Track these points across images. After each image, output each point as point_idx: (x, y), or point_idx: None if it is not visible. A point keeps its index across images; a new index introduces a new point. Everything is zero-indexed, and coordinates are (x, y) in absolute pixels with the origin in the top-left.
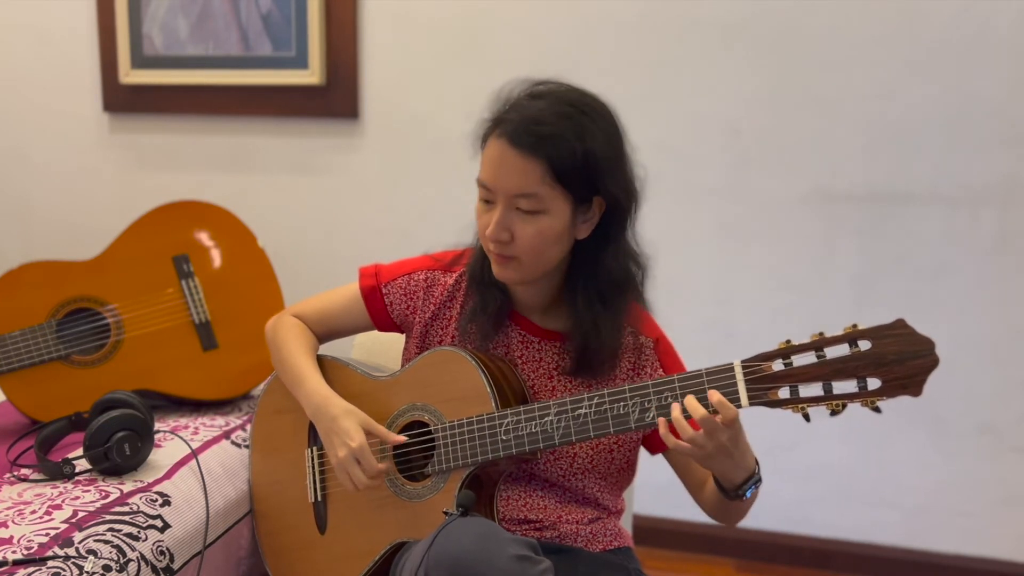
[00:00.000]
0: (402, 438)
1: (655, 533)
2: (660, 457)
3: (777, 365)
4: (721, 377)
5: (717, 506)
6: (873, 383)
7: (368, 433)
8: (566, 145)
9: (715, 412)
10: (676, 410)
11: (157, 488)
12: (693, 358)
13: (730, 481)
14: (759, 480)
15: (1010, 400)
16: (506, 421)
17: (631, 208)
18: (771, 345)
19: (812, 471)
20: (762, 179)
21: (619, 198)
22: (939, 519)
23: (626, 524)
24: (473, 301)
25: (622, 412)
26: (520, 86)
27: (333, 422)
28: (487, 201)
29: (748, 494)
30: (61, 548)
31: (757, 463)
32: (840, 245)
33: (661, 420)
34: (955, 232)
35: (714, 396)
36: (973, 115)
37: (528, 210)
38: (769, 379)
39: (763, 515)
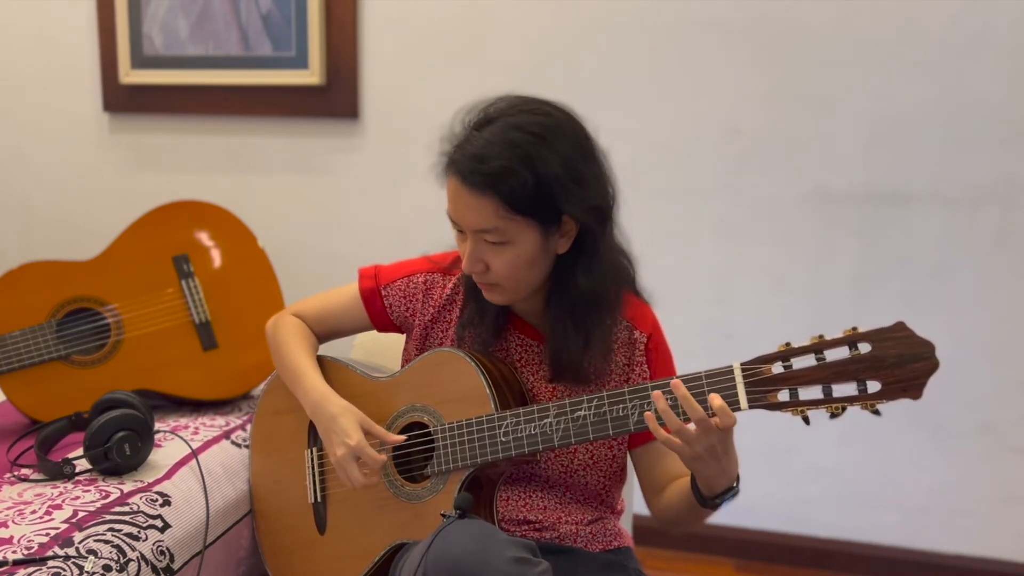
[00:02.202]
0: (401, 438)
1: (655, 533)
2: None
3: (777, 368)
4: (721, 380)
5: (680, 510)
6: (873, 386)
7: (366, 432)
8: (515, 178)
9: (713, 415)
10: (661, 401)
11: (157, 488)
12: (692, 358)
13: (710, 488)
14: (737, 493)
15: (1010, 400)
16: (505, 423)
17: (603, 223)
18: (770, 346)
19: (812, 471)
20: (762, 179)
21: (584, 218)
22: (939, 519)
23: (626, 524)
24: (470, 308)
25: (621, 414)
26: (468, 114)
27: (332, 420)
28: (460, 231)
29: (724, 504)
30: (61, 548)
31: (738, 476)
32: (840, 245)
33: (648, 415)
34: (955, 232)
35: (716, 401)
36: (973, 115)
37: (494, 242)
38: (769, 382)
39: (763, 515)
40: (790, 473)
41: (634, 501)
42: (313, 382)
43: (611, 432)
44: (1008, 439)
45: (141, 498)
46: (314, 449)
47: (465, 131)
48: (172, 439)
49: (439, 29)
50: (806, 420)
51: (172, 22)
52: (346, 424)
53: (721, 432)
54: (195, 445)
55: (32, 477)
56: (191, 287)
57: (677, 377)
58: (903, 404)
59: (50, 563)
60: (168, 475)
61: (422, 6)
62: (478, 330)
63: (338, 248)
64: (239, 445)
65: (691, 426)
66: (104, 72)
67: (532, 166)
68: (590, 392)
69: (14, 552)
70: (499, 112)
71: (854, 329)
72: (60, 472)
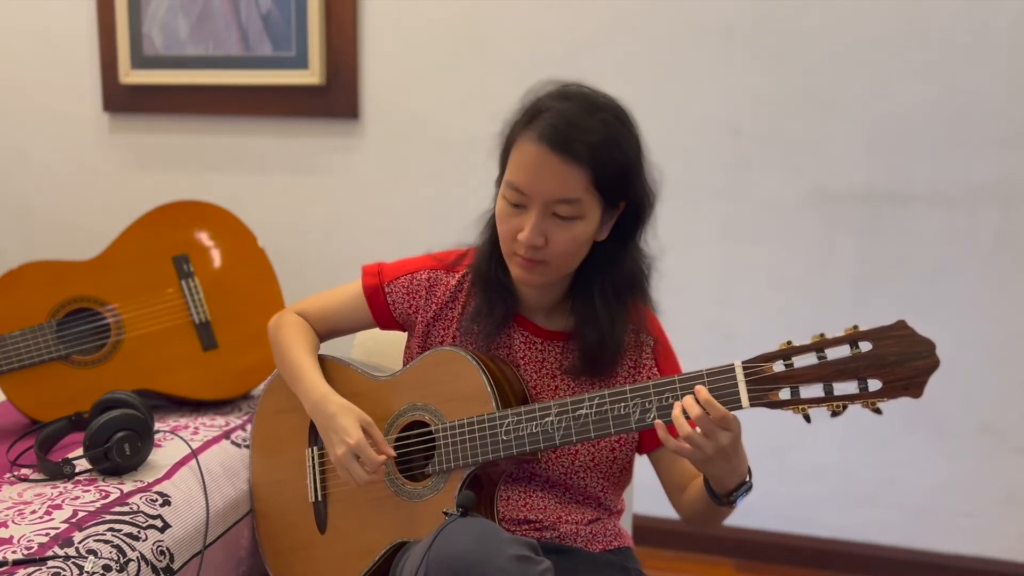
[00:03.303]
0: (393, 454)
1: (655, 533)
2: None
3: (778, 366)
4: (722, 378)
5: (700, 511)
6: (874, 384)
7: (366, 432)
8: (609, 154)
9: (705, 411)
10: (677, 409)
11: (157, 488)
12: (694, 358)
13: (723, 486)
14: (750, 487)
15: (1011, 401)
16: (507, 421)
17: (651, 210)
18: (771, 345)
19: (813, 471)
20: (762, 179)
21: (643, 202)
22: (939, 519)
23: (626, 524)
24: (477, 301)
25: (623, 413)
26: (545, 87)
27: (331, 419)
28: (517, 205)
29: (739, 501)
30: (61, 548)
31: (750, 471)
32: (840, 245)
33: (658, 423)
34: (955, 232)
35: (701, 393)
36: (973, 115)
37: (566, 216)
38: (770, 380)
39: (763, 515)
40: (790, 472)
41: (634, 501)
42: (313, 381)
43: (612, 431)
44: (1008, 439)
45: (141, 498)
46: (315, 448)
47: (549, 98)
48: (172, 439)
49: (439, 29)
50: (807, 418)
51: (172, 22)
52: (345, 423)
53: (726, 430)
54: (195, 445)
55: (32, 477)
56: (191, 287)
57: (678, 377)
58: (904, 404)
59: (50, 563)
60: (168, 475)
61: (422, 6)
62: (485, 323)
63: (338, 248)
64: (239, 445)
65: (698, 431)
66: (104, 72)
67: (620, 146)
68: (592, 390)
69: (14, 552)
70: (579, 92)
71: (855, 327)
72: (60, 472)
